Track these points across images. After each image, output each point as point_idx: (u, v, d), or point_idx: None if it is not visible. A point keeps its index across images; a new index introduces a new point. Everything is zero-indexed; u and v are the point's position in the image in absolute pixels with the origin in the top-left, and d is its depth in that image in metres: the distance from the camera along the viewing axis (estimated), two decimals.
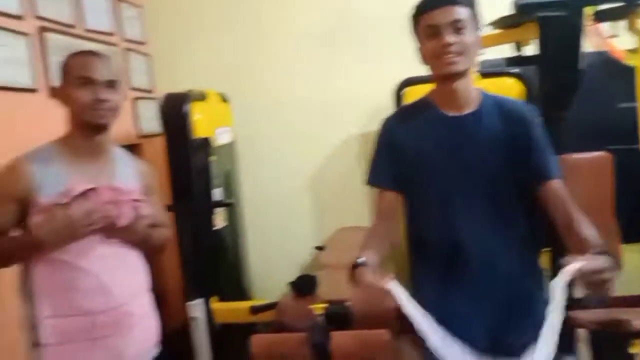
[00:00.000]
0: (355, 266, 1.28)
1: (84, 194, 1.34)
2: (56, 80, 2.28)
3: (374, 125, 2.74)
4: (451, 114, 1.36)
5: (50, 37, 2.31)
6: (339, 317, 1.85)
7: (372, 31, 3.25)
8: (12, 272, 1.44)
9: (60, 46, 2.37)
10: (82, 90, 1.37)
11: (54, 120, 2.33)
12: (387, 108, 2.82)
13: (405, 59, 3.09)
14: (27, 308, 1.38)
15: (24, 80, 2.12)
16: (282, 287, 3.32)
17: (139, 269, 1.52)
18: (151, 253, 1.59)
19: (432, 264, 1.39)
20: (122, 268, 1.43)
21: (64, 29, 2.44)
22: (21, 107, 2.13)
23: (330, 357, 1.74)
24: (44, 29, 2.28)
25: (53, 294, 1.35)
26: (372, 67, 3.24)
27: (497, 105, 1.37)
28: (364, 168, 3.44)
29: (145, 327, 1.50)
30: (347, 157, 3.35)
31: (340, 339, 1.78)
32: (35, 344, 1.35)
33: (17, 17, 2.14)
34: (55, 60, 2.30)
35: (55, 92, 1.46)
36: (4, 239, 1.34)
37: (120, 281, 1.41)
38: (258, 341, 1.89)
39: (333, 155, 3.39)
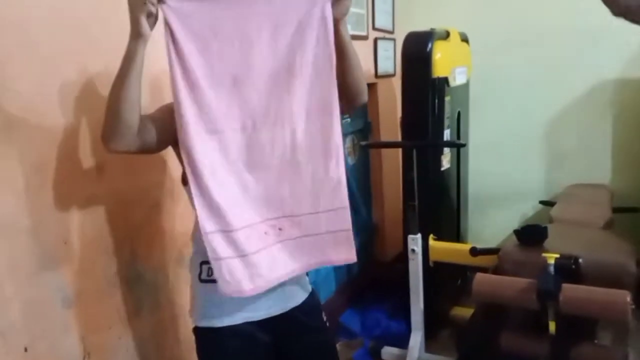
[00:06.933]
0: None
1: None
2: None
3: (637, 72, 2.36)
4: None
5: None
6: (570, 270, 1.77)
7: None
8: None
9: None
10: None
11: None
12: None
13: None
14: None
15: None
16: (497, 235, 3.24)
17: None
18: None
19: None
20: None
21: None
22: None
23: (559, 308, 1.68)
24: None
25: None
26: None
27: None
28: (615, 120, 3.03)
29: None
30: (595, 106, 3.02)
31: (572, 291, 1.69)
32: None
33: None
34: None
35: None
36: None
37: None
38: (481, 280, 1.86)
39: (578, 102, 3.06)
